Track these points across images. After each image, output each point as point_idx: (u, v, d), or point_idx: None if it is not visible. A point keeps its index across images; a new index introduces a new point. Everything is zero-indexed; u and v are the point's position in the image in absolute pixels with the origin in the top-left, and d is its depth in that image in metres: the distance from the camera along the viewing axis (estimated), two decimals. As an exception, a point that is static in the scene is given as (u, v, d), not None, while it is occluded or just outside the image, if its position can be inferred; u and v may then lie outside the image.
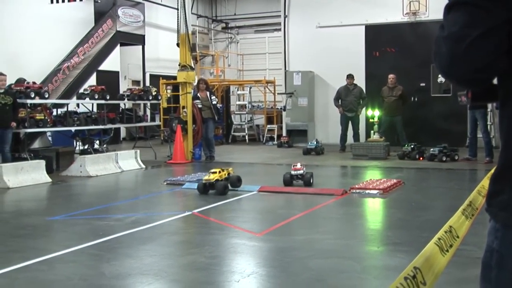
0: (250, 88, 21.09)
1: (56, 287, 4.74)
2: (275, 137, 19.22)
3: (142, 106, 17.31)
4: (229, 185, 9.12)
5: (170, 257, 5.76)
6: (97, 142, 14.38)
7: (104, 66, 17.10)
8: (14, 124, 11.29)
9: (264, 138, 19.70)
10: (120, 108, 15.33)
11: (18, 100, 11.51)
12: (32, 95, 11.92)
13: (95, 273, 5.15)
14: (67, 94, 14.75)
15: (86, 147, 13.95)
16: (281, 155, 15.37)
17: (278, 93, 20.01)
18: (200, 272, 5.15)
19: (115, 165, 12.33)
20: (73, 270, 5.26)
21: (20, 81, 12.45)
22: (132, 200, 9.14)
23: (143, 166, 12.92)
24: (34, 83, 12.43)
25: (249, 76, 22.92)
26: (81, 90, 14.49)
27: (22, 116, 11.72)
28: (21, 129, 11.70)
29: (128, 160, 12.75)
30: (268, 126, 19.97)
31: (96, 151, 13.72)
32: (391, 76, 15.26)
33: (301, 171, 9.59)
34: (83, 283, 4.83)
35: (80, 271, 5.23)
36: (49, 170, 11.15)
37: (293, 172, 9.64)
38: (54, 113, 13.43)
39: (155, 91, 15.89)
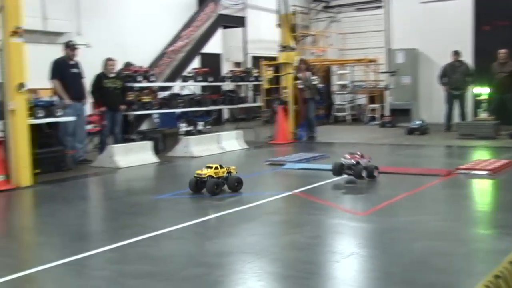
0: (352, 67, 20.78)
1: (163, 263, 4.94)
2: (378, 116, 18.87)
3: (244, 87, 17.53)
4: (225, 185, 7.76)
5: (271, 237, 5.85)
6: (201, 123, 14.74)
7: (206, 49, 17.44)
8: (123, 107, 11.82)
9: (366, 118, 19.39)
10: (223, 90, 15.61)
11: (127, 84, 12.02)
12: (140, 79, 12.41)
13: (198, 250, 5.32)
14: (172, 77, 15.18)
15: (190, 128, 14.35)
16: (383, 135, 15.08)
17: (380, 72, 19.60)
18: (300, 251, 5.19)
19: (218, 146, 12.61)
20: (178, 247, 5.47)
21: (128, 65, 12.97)
22: (234, 180, 9.30)
23: (245, 147, 13.11)
24: (141, 67, 12.92)
25: (350, 55, 22.58)
26: (185, 73, 14.88)
27: (131, 99, 12.23)
28: (129, 111, 12.22)
29: (230, 141, 12.99)
30: (370, 105, 19.63)
31: (199, 132, 14.09)
32: (502, 51, 14.47)
33: (352, 161, 8.31)
34: (187, 260, 5.01)
35: (185, 248, 5.43)
36: (156, 151, 11.58)
37: (343, 161, 8.45)
38: (161, 95, 13.91)
39: (257, 72, 16.04)
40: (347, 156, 8.38)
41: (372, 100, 19.85)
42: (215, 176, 7.62)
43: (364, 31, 22.93)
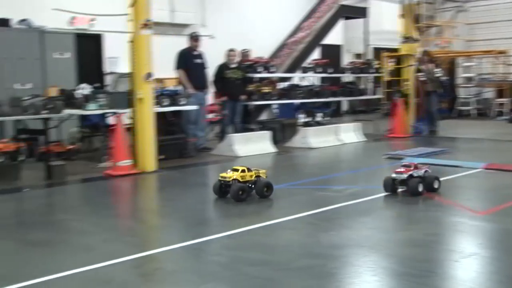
0: (480, 59, 19.82)
1: (277, 252, 5.02)
2: (506, 111, 17.88)
3: (363, 79, 17.29)
4: (252, 190, 7.00)
5: (386, 231, 5.76)
6: (319, 114, 14.72)
7: (327, 40, 17.37)
8: (244, 97, 12.06)
9: (493, 113, 18.44)
10: (342, 81, 15.49)
11: (247, 74, 12.24)
12: (260, 70, 12.59)
13: (312, 241, 5.35)
14: (292, 68, 15.29)
15: (309, 119, 14.38)
16: (511, 131, 14.29)
17: (511, 64, 18.54)
18: (416, 248, 5.06)
19: (336, 138, 12.54)
20: (292, 237, 5.53)
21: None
22: (351, 173, 9.25)
23: (364, 139, 12.95)
24: (261, 58, 13.10)
25: (478, 47, 21.54)
26: (305, 64, 14.92)
27: (251, 90, 12.46)
28: (249, 101, 12.45)
29: (348, 133, 12.88)
30: (498, 99, 18.65)
31: (318, 123, 14.08)
32: None
33: (404, 175, 7.09)
34: (301, 250, 5.05)
35: (299, 239, 5.48)
36: (274, 141, 11.72)
37: (393, 176, 7.18)
38: (281, 86, 14.04)
39: (377, 64, 15.76)
40: (400, 169, 7.17)
41: (500, 94, 18.84)
42: (241, 180, 6.91)
43: (493, 20, 21.76)
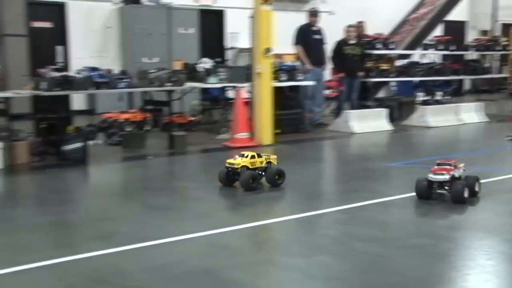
0: None
1: (389, 229, 5.02)
2: None
3: (489, 57, 16.50)
4: (262, 178, 6.45)
5: (505, 215, 5.56)
6: (439, 93, 14.28)
7: (451, 16, 16.69)
8: (361, 73, 11.95)
9: None
10: (465, 59, 14.89)
11: (366, 51, 12.10)
12: (379, 46, 12.39)
13: (426, 220, 5.31)
14: (412, 45, 14.88)
15: (427, 98, 14.00)
16: None
17: None
18: (537, 234, 4.88)
19: (455, 117, 12.14)
20: (405, 215, 5.49)
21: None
22: (470, 153, 8.95)
23: (486, 120, 12.43)
24: (380, 34, 12.87)
25: None
26: (426, 41, 14.48)
27: (369, 66, 12.31)
28: (367, 78, 12.31)
29: (469, 113, 12.42)
30: None
31: (437, 102, 13.67)
32: None
33: (445, 176, 5.72)
34: (414, 229, 5.02)
35: (412, 217, 5.45)
36: (390, 119, 11.54)
37: (431, 177, 5.81)
38: (400, 63, 13.74)
39: (505, 41, 14.98)
40: (435, 168, 5.85)
41: None
42: (250, 167, 6.37)
43: None
